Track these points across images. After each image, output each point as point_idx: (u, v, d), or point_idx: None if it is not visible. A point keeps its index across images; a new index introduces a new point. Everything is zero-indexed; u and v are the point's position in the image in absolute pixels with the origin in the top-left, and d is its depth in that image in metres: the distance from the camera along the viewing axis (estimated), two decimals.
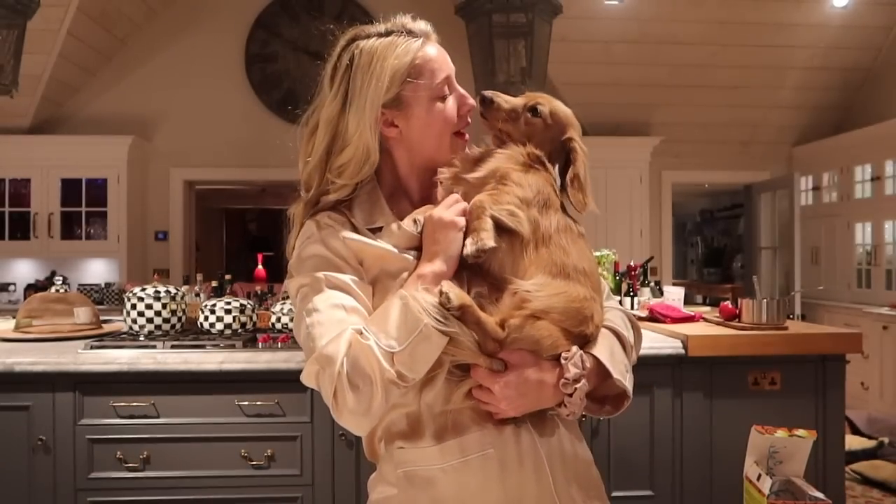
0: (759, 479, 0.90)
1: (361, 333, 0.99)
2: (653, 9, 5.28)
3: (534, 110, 1.13)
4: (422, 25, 1.15)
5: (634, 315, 2.96)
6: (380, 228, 1.11)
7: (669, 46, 5.51)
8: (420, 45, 1.11)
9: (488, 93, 1.14)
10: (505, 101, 1.14)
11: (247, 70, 6.06)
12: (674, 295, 2.98)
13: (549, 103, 1.15)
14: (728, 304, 2.72)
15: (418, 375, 0.99)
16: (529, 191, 1.07)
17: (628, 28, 5.39)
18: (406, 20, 1.14)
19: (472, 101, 1.15)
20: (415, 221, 1.09)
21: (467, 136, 1.17)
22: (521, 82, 2.96)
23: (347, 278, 1.06)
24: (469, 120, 1.16)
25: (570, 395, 1.03)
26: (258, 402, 2.27)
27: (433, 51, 1.13)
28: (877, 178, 5.39)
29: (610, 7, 5.22)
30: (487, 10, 2.96)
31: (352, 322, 1.01)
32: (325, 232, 1.10)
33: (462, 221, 1.06)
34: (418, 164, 1.16)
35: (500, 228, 1.04)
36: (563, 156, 1.14)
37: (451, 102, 1.13)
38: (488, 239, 1.02)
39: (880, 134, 5.32)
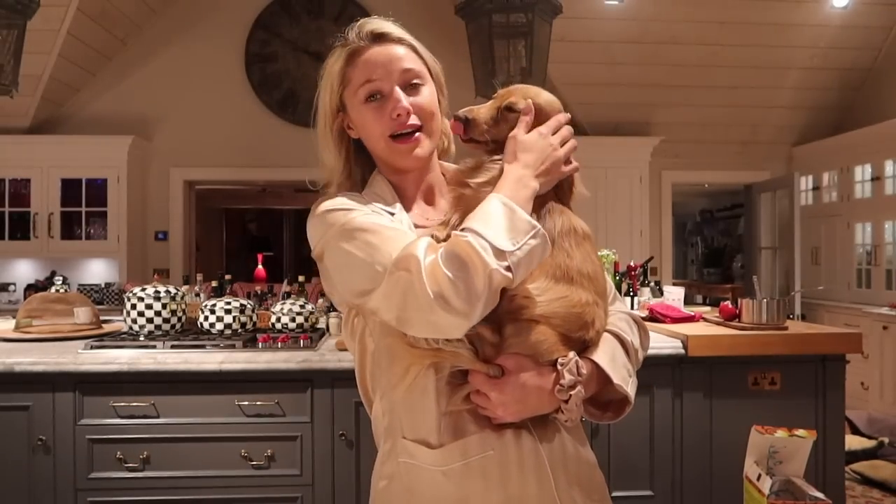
0: (759, 479, 0.90)
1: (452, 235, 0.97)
2: (653, 9, 5.28)
3: (510, 109, 1.11)
4: (369, 28, 1.13)
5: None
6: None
7: (669, 46, 5.51)
8: (347, 53, 1.13)
9: (461, 112, 1.12)
10: (479, 112, 1.12)
11: (247, 70, 6.05)
12: (674, 295, 2.98)
13: (522, 95, 1.12)
14: (728, 304, 2.72)
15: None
16: None
17: (628, 28, 5.39)
18: (360, 24, 1.14)
19: (402, 104, 1.11)
20: (432, 237, 1.08)
21: (417, 137, 1.12)
22: (520, 82, 2.95)
23: (385, 217, 1.07)
24: (406, 122, 1.11)
25: (566, 402, 1.03)
26: (258, 402, 2.27)
27: (368, 55, 1.12)
28: (877, 178, 5.39)
29: (610, 7, 5.22)
30: (487, 10, 2.96)
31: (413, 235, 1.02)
32: (350, 195, 1.12)
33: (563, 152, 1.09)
34: (384, 165, 1.18)
35: None
36: None
37: (376, 107, 1.11)
38: None
39: (880, 134, 5.32)
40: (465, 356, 1.01)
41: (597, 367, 1.06)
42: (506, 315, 1.02)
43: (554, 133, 1.09)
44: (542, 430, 1.07)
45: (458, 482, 1.03)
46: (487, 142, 1.12)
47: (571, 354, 1.04)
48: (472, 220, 0.98)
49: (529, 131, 1.09)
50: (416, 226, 1.13)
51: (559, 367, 1.03)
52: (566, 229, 1.08)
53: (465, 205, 1.07)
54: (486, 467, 1.03)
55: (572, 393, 1.02)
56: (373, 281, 0.99)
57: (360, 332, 1.12)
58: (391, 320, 0.99)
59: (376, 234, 1.02)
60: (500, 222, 0.96)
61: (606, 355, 1.08)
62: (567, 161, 1.11)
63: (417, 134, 1.13)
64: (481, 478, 1.03)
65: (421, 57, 1.16)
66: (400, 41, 1.15)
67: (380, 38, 1.13)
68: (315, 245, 1.10)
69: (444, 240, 1.04)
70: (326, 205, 1.09)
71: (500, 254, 0.94)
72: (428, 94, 1.14)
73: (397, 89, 1.12)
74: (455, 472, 1.03)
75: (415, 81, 1.13)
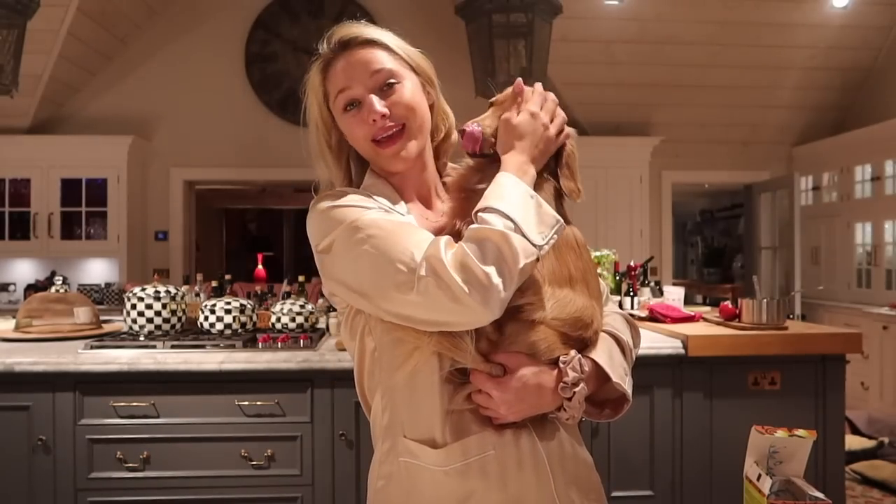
0: (759, 479, 0.90)
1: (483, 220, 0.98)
2: (653, 9, 5.28)
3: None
4: (337, 36, 1.12)
5: (634, 315, 2.96)
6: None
7: (669, 46, 5.51)
8: (322, 65, 1.13)
9: (469, 127, 1.10)
10: (486, 124, 1.11)
11: (247, 70, 6.05)
12: (674, 295, 2.98)
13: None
14: (728, 304, 2.72)
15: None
16: None
17: (628, 28, 5.39)
18: (330, 34, 1.14)
19: (375, 108, 1.08)
20: None
21: (398, 138, 1.11)
22: None
23: (395, 214, 1.07)
24: (384, 125, 1.10)
25: (570, 399, 1.04)
26: (258, 402, 2.27)
27: (337, 65, 1.12)
28: (877, 178, 5.39)
29: (610, 7, 5.22)
30: (487, 10, 2.96)
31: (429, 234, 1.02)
32: (355, 191, 1.11)
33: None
34: (377, 168, 1.17)
35: None
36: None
37: (354, 114, 1.11)
38: None
39: (880, 134, 5.32)
40: (469, 353, 1.02)
41: (595, 366, 1.07)
42: (507, 314, 1.02)
43: (541, 108, 1.09)
44: (541, 429, 1.08)
45: (459, 482, 1.04)
46: (497, 154, 1.11)
47: (573, 352, 1.05)
48: (500, 203, 0.98)
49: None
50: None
51: (561, 364, 1.04)
52: (564, 235, 1.09)
53: (468, 211, 1.06)
54: (486, 467, 1.04)
55: (576, 390, 1.03)
56: (396, 282, 0.97)
57: (360, 332, 1.11)
58: (423, 325, 0.99)
59: (391, 231, 1.00)
60: (531, 215, 0.99)
61: (605, 354, 1.09)
62: (559, 132, 1.11)
63: (400, 134, 1.11)
64: (481, 477, 1.04)
65: (395, 53, 1.13)
66: (368, 43, 1.12)
67: (347, 45, 1.12)
68: (319, 241, 1.07)
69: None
70: (330, 201, 1.07)
71: (532, 247, 0.97)
72: (407, 91, 1.12)
73: (369, 96, 1.10)
74: (456, 471, 1.03)
75: (389, 81, 1.11)
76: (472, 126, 1.10)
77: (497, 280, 0.93)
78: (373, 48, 1.12)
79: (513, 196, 0.99)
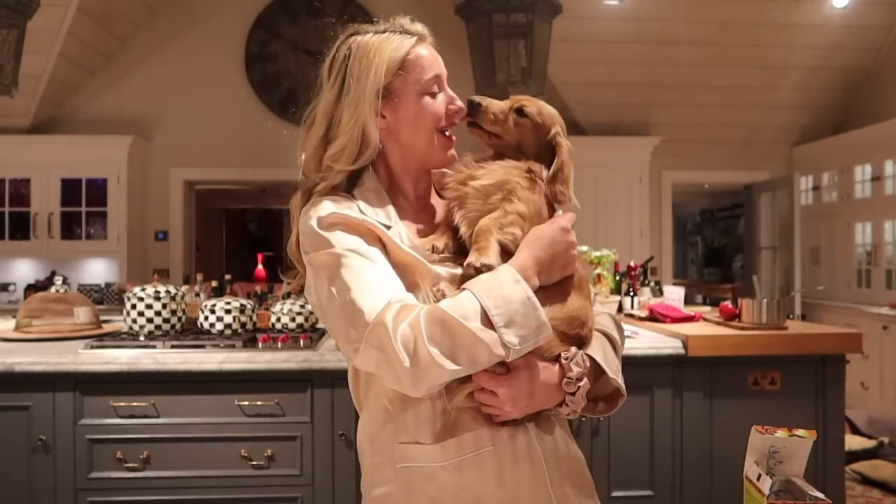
0: (759, 479, 0.90)
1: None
2: (653, 9, 5.28)
3: (520, 111, 1.14)
4: (418, 27, 1.17)
5: (634, 315, 2.96)
6: (387, 227, 1.11)
7: (669, 46, 5.51)
8: (413, 42, 1.14)
9: (476, 97, 1.15)
10: (492, 103, 1.16)
11: (247, 70, 6.05)
12: (674, 295, 2.98)
13: (534, 104, 1.16)
14: (728, 304, 2.72)
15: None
16: (533, 208, 1.10)
17: (628, 28, 5.39)
18: (404, 21, 1.17)
19: (460, 102, 1.16)
20: (433, 248, 1.09)
21: (454, 138, 1.17)
22: (521, 82, 2.96)
23: (375, 251, 1.06)
24: (456, 121, 1.17)
25: (573, 394, 1.05)
26: (258, 402, 2.27)
27: (426, 51, 1.15)
28: (877, 178, 5.38)
29: (610, 7, 5.22)
30: (487, 10, 2.96)
31: (395, 288, 1.02)
32: (344, 205, 1.09)
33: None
34: (409, 160, 1.17)
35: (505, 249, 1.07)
36: (549, 152, 1.16)
37: (439, 100, 1.15)
38: (494, 259, 1.03)
39: (880, 134, 5.32)
40: None
41: (592, 362, 1.09)
42: None
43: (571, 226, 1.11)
44: (538, 425, 1.09)
45: (456, 478, 1.04)
46: (490, 133, 1.15)
47: (574, 349, 1.07)
48: (488, 297, 0.97)
49: (532, 145, 1.13)
50: (408, 223, 1.14)
51: (564, 361, 1.06)
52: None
53: (467, 207, 1.09)
54: (483, 463, 1.05)
55: (580, 385, 1.05)
56: (347, 339, 1.01)
57: None
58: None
59: (359, 281, 1.01)
60: (517, 317, 0.97)
61: (600, 351, 1.12)
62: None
63: (453, 135, 1.17)
64: (479, 473, 1.04)
65: None
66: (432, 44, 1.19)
67: (424, 37, 1.17)
68: (306, 250, 1.09)
69: (443, 250, 1.08)
70: (325, 215, 1.07)
71: (500, 352, 0.96)
72: None
73: (448, 88, 1.17)
74: (453, 467, 1.04)
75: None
76: (476, 97, 1.15)
77: (448, 367, 0.95)
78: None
79: (505, 291, 0.98)
